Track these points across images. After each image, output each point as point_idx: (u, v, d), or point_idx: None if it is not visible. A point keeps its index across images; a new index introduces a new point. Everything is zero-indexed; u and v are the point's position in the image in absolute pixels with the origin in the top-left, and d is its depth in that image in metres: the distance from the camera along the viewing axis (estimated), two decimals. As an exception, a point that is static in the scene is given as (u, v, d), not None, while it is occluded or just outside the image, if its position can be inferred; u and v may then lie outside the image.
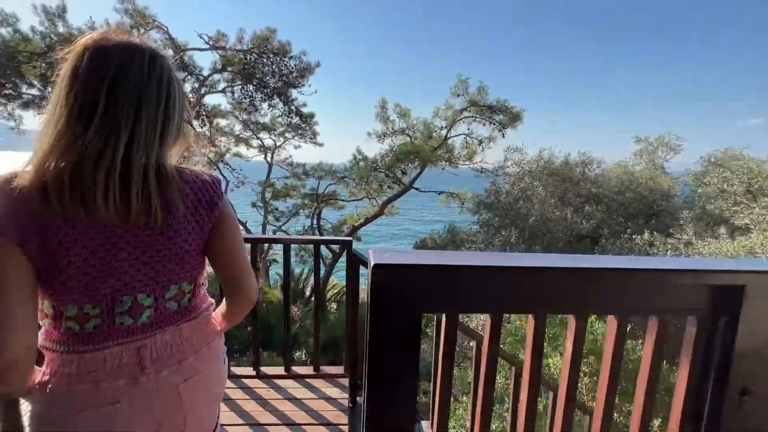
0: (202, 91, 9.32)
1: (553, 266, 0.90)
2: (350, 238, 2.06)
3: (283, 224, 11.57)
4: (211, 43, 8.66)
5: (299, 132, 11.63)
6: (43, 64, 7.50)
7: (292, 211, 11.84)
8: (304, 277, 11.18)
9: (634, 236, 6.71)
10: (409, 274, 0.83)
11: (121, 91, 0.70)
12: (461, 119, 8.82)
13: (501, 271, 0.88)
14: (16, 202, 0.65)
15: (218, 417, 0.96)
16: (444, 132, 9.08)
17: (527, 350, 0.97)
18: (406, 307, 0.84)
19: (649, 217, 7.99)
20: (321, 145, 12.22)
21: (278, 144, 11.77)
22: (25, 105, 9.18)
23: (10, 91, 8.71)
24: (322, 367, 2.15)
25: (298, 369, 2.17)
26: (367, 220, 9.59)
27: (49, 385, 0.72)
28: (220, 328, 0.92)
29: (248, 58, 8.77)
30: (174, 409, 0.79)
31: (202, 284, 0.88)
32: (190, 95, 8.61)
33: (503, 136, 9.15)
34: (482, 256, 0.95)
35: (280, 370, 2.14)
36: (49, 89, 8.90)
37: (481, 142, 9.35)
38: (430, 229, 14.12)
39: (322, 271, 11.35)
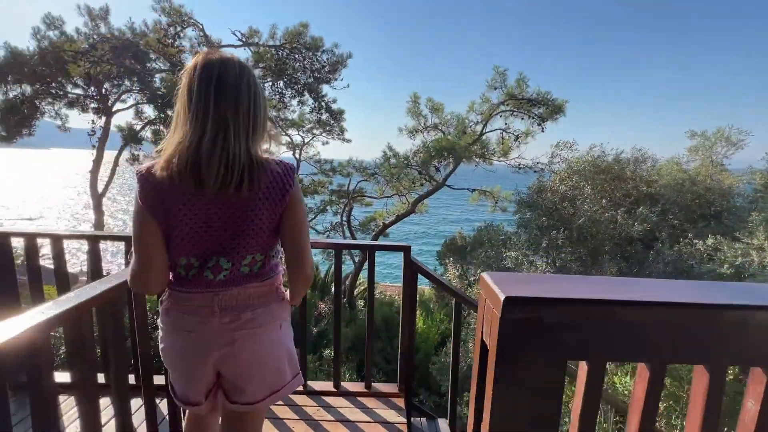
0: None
1: (745, 304, 0.67)
2: (408, 244, 1.87)
3: (311, 220, 11.60)
4: (243, 39, 8.71)
5: (327, 128, 11.61)
6: (87, 63, 7.77)
7: (320, 207, 11.86)
8: (331, 271, 11.16)
9: (695, 240, 6.15)
10: (554, 311, 0.64)
11: (222, 97, 0.92)
12: (498, 113, 8.44)
13: (668, 308, 0.67)
14: (153, 186, 0.94)
15: (285, 384, 1.11)
16: (479, 127, 8.75)
17: (693, 414, 0.75)
18: (547, 352, 0.65)
19: (708, 219, 7.32)
20: (349, 141, 12.18)
21: (306, 140, 11.80)
22: (71, 104, 9.62)
23: (57, 91, 9.14)
24: (374, 384, 1.98)
25: (347, 385, 2.01)
26: (398, 218, 9.42)
27: (164, 307, 1.06)
28: (284, 297, 1.10)
29: (280, 53, 8.76)
30: (229, 349, 1.02)
31: (274, 255, 1.07)
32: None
33: (542, 131, 8.68)
34: (630, 285, 0.74)
35: (328, 385, 1.99)
36: (92, 88, 9.27)
37: (517, 137, 8.91)
38: (457, 227, 13.70)
39: (351, 268, 11.30)
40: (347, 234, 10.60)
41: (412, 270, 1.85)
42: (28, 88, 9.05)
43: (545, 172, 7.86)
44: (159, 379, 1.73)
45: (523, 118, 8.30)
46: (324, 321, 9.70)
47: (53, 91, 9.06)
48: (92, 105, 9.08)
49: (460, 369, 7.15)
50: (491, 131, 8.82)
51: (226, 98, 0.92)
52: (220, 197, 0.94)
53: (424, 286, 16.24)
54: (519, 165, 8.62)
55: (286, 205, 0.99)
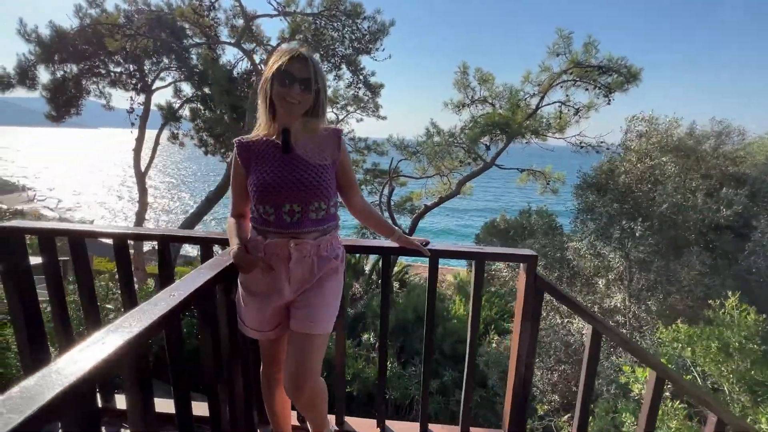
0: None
1: None
2: (532, 252, 1.32)
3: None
4: (280, 9, 8.13)
5: (362, 105, 10.98)
6: (124, 38, 7.52)
7: (355, 187, 11.47)
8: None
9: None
10: None
11: None
12: (558, 83, 7.45)
13: None
14: None
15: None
16: (534, 100, 7.81)
17: None
18: None
19: (816, 206, 6.16)
20: (384, 118, 11.53)
21: (341, 118, 11.17)
22: (113, 83, 9.58)
23: (99, 69, 9.08)
24: (473, 431, 1.50)
25: (436, 430, 1.52)
26: (441, 200, 8.81)
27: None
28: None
29: (318, 23, 8.12)
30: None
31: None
32: (259, 66, 8.27)
33: (609, 103, 7.61)
34: None
35: (413, 429, 1.52)
36: (132, 66, 9.11)
37: (577, 110, 7.88)
38: (494, 211, 12.90)
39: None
40: (386, 216, 10.08)
41: (536, 287, 1.31)
42: (74, 68, 9.05)
43: (616, 150, 6.86)
44: (201, 408, 1.32)
45: (587, 89, 7.27)
46: (360, 302, 9.44)
47: (96, 70, 9.01)
48: (132, 83, 8.98)
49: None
50: (548, 104, 7.86)
51: None
52: None
53: (459, 267, 15.58)
54: (580, 143, 7.69)
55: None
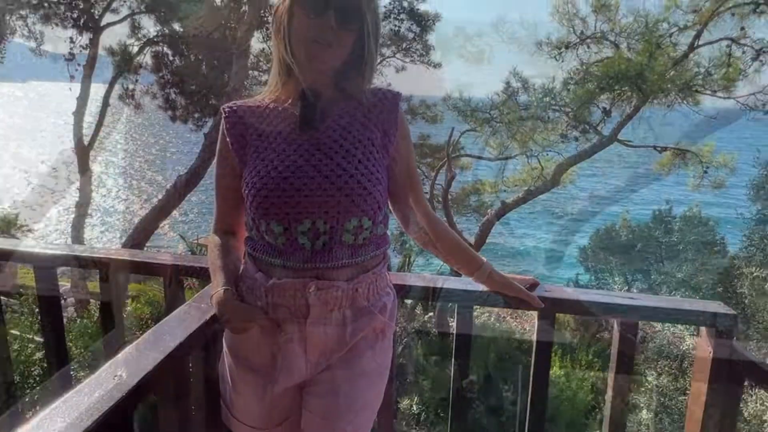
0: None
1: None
2: (727, 310, 1.18)
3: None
4: None
5: (404, 46, 10.92)
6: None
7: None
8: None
9: None
10: None
11: None
12: (726, 10, 7.12)
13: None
14: None
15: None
16: (687, 37, 7.64)
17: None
18: None
19: None
20: (437, 66, 11.46)
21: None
22: (46, 18, 10.17)
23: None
24: None
25: None
26: (529, 194, 8.64)
27: None
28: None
29: None
30: None
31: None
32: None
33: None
34: None
35: None
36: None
37: (759, 53, 7.52)
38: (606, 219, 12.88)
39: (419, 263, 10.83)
40: (442, 218, 9.97)
41: (731, 371, 1.17)
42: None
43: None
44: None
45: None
46: (396, 347, 9.47)
47: (22, -1, 9.47)
48: (72, 16, 9.40)
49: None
50: (709, 44, 7.63)
51: None
52: None
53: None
54: (764, 105, 7.44)
55: None
